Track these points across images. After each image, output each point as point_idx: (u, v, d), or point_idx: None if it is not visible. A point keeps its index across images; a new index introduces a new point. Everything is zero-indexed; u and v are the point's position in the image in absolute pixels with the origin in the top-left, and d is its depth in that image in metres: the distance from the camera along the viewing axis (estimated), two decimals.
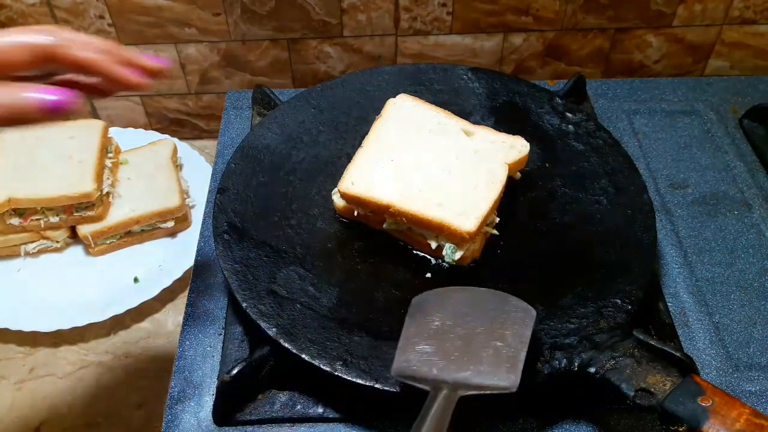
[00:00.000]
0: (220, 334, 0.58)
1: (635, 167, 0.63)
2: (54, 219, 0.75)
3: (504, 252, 0.58)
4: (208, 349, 0.57)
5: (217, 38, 0.86)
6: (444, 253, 0.56)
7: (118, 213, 0.77)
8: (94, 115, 0.95)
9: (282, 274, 0.56)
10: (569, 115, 0.69)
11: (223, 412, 0.52)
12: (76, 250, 0.78)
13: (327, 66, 0.90)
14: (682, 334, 0.57)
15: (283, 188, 0.63)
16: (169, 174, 0.81)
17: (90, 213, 0.75)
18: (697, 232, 0.66)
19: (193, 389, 0.54)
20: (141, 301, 0.72)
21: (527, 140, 0.62)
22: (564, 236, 0.59)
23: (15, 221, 0.74)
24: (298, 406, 0.52)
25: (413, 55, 0.89)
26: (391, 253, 0.58)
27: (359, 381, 0.48)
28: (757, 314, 0.59)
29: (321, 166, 0.65)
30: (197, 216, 0.79)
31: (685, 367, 0.46)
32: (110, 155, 0.80)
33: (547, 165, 0.65)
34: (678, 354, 0.46)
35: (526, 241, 0.59)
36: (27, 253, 0.77)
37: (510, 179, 0.60)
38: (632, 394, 0.45)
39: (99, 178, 0.75)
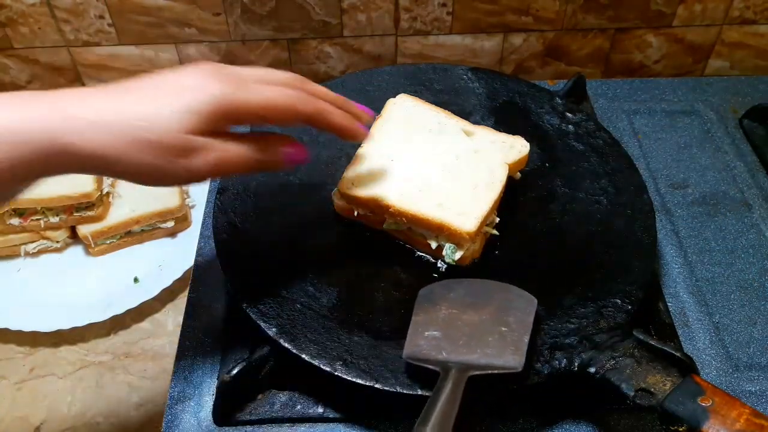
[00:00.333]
0: (220, 334, 0.58)
1: (635, 167, 0.63)
2: (54, 219, 0.75)
3: (504, 252, 0.58)
4: (208, 349, 0.57)
5: (217, 38, 0.86)
6: (444, 253, 0.56)
7: (118, 213, 0.77)
8: None
9: (282, 274, 0.55)
10: (569, 115, 0.69)
11: (223, 412, 0.52)
12: (76, 250, 0.78)
13: (327, 66, 0.90)
14: (682, 334, 0.57)
15: (283, 188, 0.63)
16: None
17: (90, 213, 0.75)
18: (697, 232, 0.66)
19: (193, 389, 0.54)
20: (141, 301, 0.72)
21: (527, 140, 0.62)
22: (564, 236, 0.59)
23: (15, 221, 0.74)
24: (298, 406, 0.52)
25: (413, 55, 0.89)
26: (391, 253, 0.58)
27: (359, 381, 0.48)
28: (757, 314, 0.59)
29: (321, 166, 0.65)
30: (197, 216, 0.79)
31: (685, 367, 0.46)
32: None
33: (547, 165, 0.65)
34: (678, 354, 0.46)
35: (526, 241, 0.59)
36: (27, 253, 0.77)
37: (510, 179, 0.60)
38: (632, 394, 0.45)
39: (99, 178, 0.75)
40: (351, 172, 0.59)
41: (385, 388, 0.48)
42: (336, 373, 0.48)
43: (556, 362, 0.48)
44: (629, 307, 0.52)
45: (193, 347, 0.57)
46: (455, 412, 0.42)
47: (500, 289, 0.52)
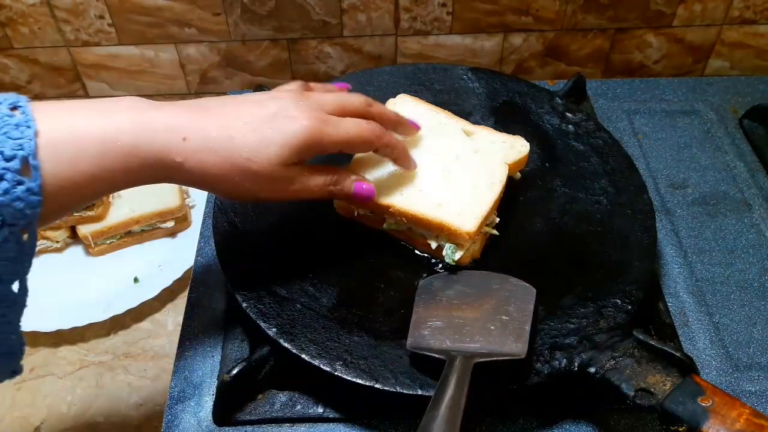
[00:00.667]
0: (220, 334, 0.58)
1: (635, 167, 0.63)
2: None
3: (504, 252, 0.58)
4: (208, 349, 0.57)
5: (217, 38, 0.86)
6: (444, 253, 0.56)
7: (118, 213, 0.77)
8: None
9: (282, 274, 0.55)
10: (569, 115, 0.69)
11: (223, 412, 0.52)
12: (76, 250, 0.78)
13: (327, 66, 0.90)
14: (682, 334, 0.57)
15: None
16: None
17: (90, 213, 0.75)
18: (697, 232, 0.66)
19: (193, 389, 0.54)
20: (141, 301, 0.72)
21: (527, 140, 0.62)
22: (564, 236, 0.59)
23: None
24: (298, 406, 0.52)
25: (413, 55, 0.89)
26: (391, 253, 0.58)
27: (359, 381, 0.48)
28: (757, 314, 0.59)
29: None
30: (197, 216, 0.79)
31: (685, 367, 0.46)
32: None
33: (547, 165, 0.65)
34: (678, 354, 0.46)
35: (526, 241, 0.59)
36: None
37: (510, 179, 0.60)
38: (632, 394, 0.45)
39: None
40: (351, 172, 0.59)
41: (385, 388, 0.48)
42: (336, 373, 0.48)
43: (556, 362, 0.48)
44: (629, 307, 0.52)
45: (193, 347, 0.57)
46: (464, 398, 0.43)
47: (499, 280, 0.53)
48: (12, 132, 0.36)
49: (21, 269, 0.38)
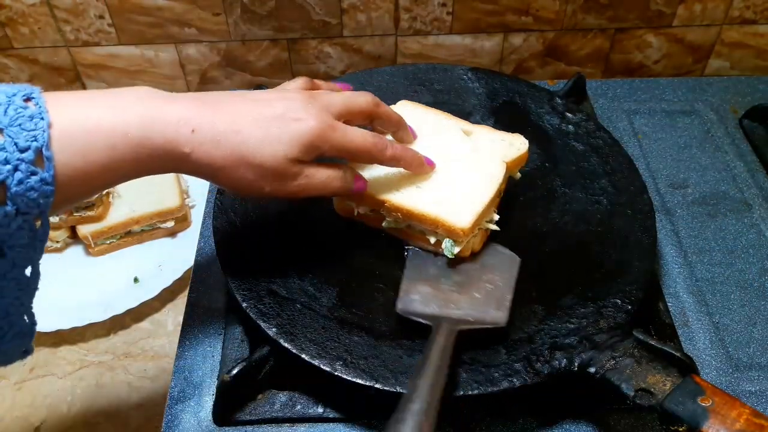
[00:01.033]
0: (220, 334, 0.58)
1: (635, 167, 0.63)
2: (54, 219, 0.75)
3: None
4: (208, 349, 0.57)
5: (217, 38, 0.86)
6: (443, 246, 0.55)
7: (118, 213, 0.77)
8: None
9: (282, 274, 0.55)
10: (569, 115, 0.69)
11: (223, 412, 0.52)
12: (76, 250, 0.78)
13: (327, 66, 0.90)
14: (682, 334, 0.57)
15: None
16: (169, 174, 0.81)
17: (90, 213, 0.75)
18: (697, 232, 0.66)
19: (193, 389, 0.54)
20: (141, 301, 0.72)
21: (527, 140, 0.62)
22: (564, 236, 0.59)
23: None
24: (298, 406, 0.52)
25: (413, 55, 0.89)
26: (391, 253, 0.58)
27: (359, 381, 0.48)
28: (757, 314, 0.59)
29: None
30: (197, 216, 0.79)
31: (685, 367, 0.46)
32: None
33: (547, 165, 0.65)
34: (678, 354, 0.46)
35: (526, 240, 0.59)
36: None
37: (510, 179, 0.60)
38: (632, 394, 0.45)
39: None
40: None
41: (385, 388, 0.48)
42: (336, 373, 0.48)
43: (556, 362, 0.48)
44: (629, 307, 0.52)
45: (193, 347, 0.57)
46: (447, 365, 0.44)
47: (485, 248, 0.56)
48: (26, 123, 0.36)
49: (34, 255, 0.39)
